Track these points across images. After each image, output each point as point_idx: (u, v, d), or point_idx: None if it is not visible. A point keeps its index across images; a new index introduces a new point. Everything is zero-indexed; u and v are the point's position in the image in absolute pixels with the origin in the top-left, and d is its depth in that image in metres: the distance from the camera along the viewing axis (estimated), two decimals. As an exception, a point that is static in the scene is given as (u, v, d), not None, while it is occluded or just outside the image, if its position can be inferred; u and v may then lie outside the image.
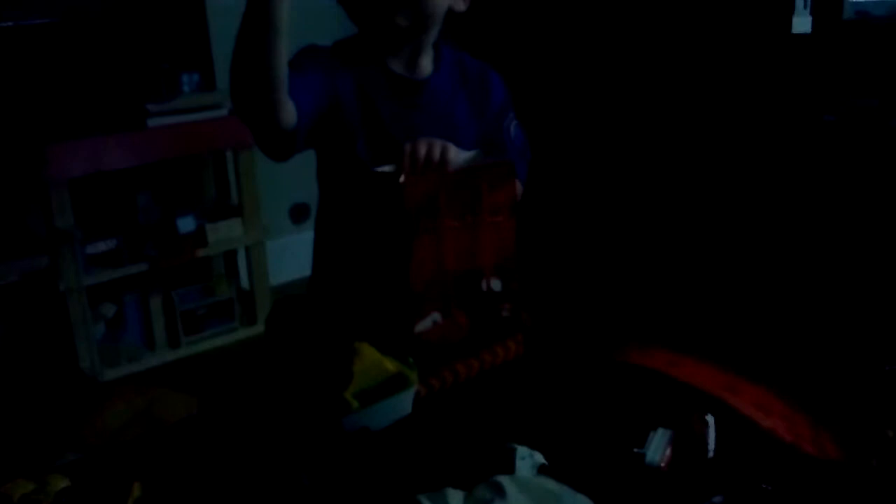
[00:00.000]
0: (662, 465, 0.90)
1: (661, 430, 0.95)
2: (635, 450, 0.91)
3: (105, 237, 2.63)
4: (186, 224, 2.72)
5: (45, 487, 0.91)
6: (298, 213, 3.35)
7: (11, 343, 2.64)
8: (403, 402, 1.03)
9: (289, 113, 1.08)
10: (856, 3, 2.31)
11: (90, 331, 2.64)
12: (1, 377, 2.58)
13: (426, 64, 1.29)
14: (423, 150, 1.09)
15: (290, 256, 3.11)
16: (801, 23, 2.31)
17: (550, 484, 0.86)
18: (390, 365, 1.03)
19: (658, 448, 0.92)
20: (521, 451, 0.90)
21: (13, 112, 2.60)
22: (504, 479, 0.85)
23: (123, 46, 2.75)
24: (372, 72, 1.24)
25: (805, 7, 2.30)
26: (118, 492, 0.90)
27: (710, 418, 0.93)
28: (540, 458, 0.91)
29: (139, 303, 2.80)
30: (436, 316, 1.11)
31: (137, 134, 2.56)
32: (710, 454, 0.94)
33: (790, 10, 2.30)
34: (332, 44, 1.27)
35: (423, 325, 1.11)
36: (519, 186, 1.22)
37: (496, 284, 1.14)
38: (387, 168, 1.10)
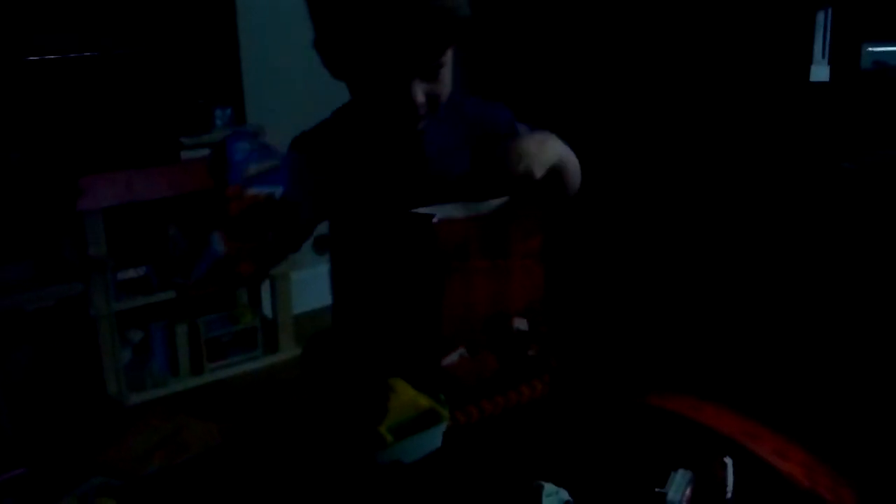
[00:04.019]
0: (683, 504, 0.94)
1: (681, 471, 0.98)
2: (657, 489, 0.95)
3: (135, 265, 2.70)
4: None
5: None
6: (321, 245, 3.40)
7: (42, 365, 2.70)
8: (434, 437, 1.07)
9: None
10: (874, 52, 2.36)
11: (118, 356, 2.70)
12: (30, 398, 2.64)
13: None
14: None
15: (313, 286, 3.16)
16: (820, 72, 2.36)
17: (576, 520, 0.90)
18: (423, 401, 1.08)
19: (679, 488, 0.95)
20: (548, 488, 0.94)
21: (52, 143, 2.69)
22: (532, 515, 0.89)
23: (160, 81, 2.85)
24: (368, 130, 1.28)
25: (823, 56, 2.36)
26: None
27: (728, 461, 0.97)
28: (565, 495, 0.95)
29: (165, 330, 2.86)
30: (462, 350, 1.16)
31: (172, 166, 2.64)
32: (729, 496, 0.97)
33: (808, 59, 2.35)
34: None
35: (450, 359, 1.15)
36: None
37: (523, 325, 1.18)
38: (422, 210, 1.15)
